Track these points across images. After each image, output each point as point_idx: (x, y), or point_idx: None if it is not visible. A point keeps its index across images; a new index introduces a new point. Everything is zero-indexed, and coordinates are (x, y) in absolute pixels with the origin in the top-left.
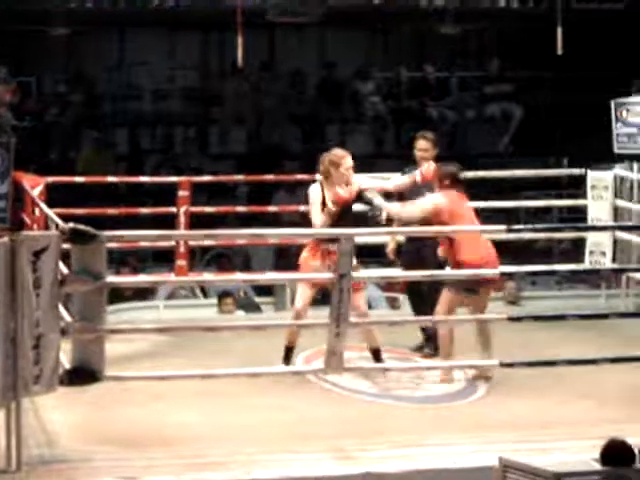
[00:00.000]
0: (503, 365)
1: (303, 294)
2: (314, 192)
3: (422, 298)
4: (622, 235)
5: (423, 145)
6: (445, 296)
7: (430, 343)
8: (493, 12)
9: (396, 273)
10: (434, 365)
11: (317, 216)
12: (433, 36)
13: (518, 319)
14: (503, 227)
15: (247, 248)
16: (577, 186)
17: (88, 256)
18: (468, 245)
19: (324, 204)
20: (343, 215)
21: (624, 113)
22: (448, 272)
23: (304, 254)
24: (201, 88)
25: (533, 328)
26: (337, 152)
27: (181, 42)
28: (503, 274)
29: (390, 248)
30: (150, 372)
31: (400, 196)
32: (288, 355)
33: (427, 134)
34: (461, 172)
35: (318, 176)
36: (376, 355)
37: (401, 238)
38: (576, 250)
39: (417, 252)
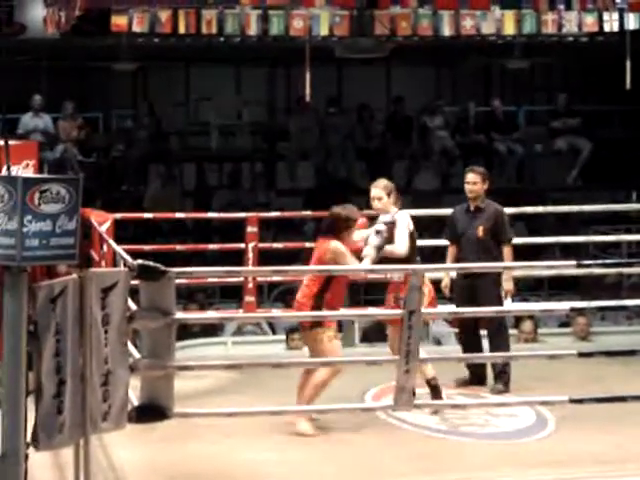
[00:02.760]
0: (573, 401)
1: None
2: (405, 218)
3: (476, 334)
4: None
5: (471, 179)
6: None
7: (500, 379)
8: (561, 46)
9: (466, 309)
10: (504, 401)
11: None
12: (501, 70)
13: (589, 354)
14: (573, 263)
15: None
16: None
17: (157, 292)
18: None
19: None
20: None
21: None
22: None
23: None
24: (268, 123)
25: (603, 363)
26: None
27: (247, 77)
28: (574, 309)
29: (444, 284)
30: (219, 409)
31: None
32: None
33: (476, 168)
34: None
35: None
36: (433, 387)
37: (453, 274)
38: None
39: (470, 288)
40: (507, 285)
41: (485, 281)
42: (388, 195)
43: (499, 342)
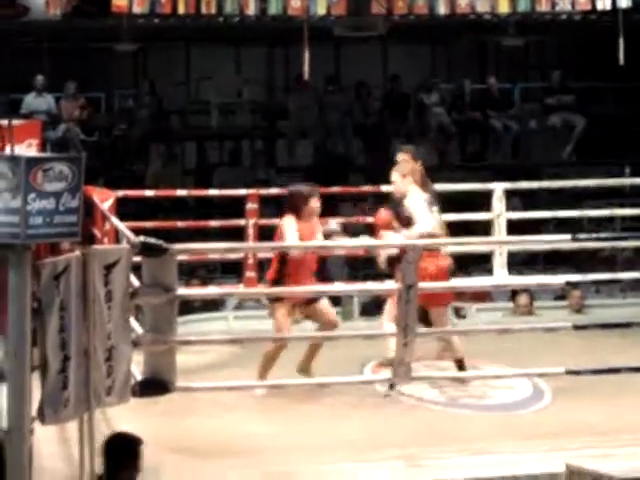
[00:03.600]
0: (569, 373)
1: None
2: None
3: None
4: None
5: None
6: None
7: None
8: (555, 24)
9: (463, 283)
10: (502, 373)
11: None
12: (496, 48)
13: (583, 327)
14: (568, 236)
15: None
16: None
17: (159, 269)
18: None
19: None
20: None
21: None
22: None
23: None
24: (267, 102)
25: (598, 336)
26: None
27: (247, 57)
28: (569, 283)
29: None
30: (220, 383)
31: None
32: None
33: (405, 147)
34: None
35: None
36: (460, 365)
37: None
38: (639, 258)
39: None
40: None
41: None
42: (403, 176)
43: None
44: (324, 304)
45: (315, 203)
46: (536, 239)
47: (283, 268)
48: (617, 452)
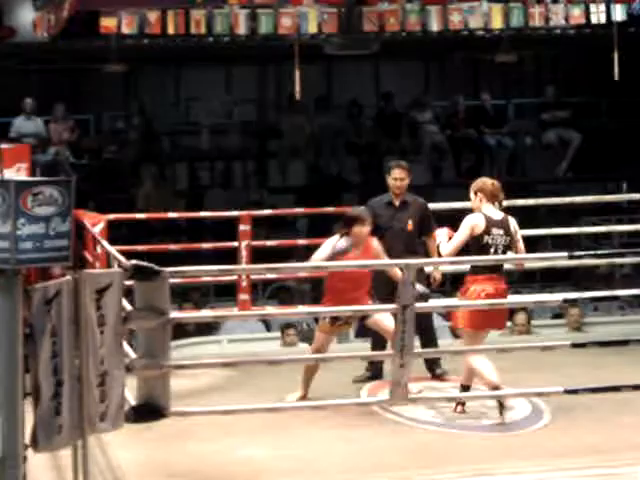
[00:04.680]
0: (568, 392)
1: None
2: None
3: None
4: None
5: (400, 174)
6: None
7: (437, 365)
8: (549, 39)
9: (460, 302)
10: (499, 394)
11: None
12: (489, 64)
13: (582, 345)
14: (565, 254)
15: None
16: (637, 210)
17: (151, 292)
18: None
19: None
20: None
21: None
22: None
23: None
24: (258, 122)
25: (597, 354)
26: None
27: (237, 76)
28: (567, 300)
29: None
30: (215, 407)
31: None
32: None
33: (402, 162)
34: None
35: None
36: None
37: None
38: (638, 275)
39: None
40: (437, 273)
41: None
42: (475, 194)
43: (431, 335)
44: (378, 317)
45: (360, 228)
46: (533, 256)
47: (326, 283)
48: (618, 472)
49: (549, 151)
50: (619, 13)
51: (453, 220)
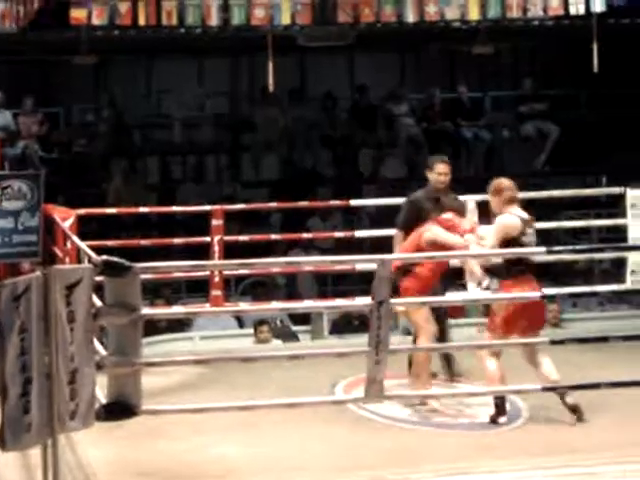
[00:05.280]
0: (546, 389)
1: None
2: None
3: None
4: None
5: (443, 169)
6: None
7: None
8: (526, 30)
9: (436, 299)
10: (476, 391)
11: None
12: (466, 56)
13: (561, 342)
14: (543, 249)
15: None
16: (616, 205)
17: (122, 288)
18: None
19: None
20: None
21: None
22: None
23: None
24: (231, 115)
25: (576, 350)
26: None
27: (210, 68)
28: (544, 296)
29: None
30: (187, 405)
31: None
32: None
33: (445, 157)
34: None
35: None
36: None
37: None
38: (617, 270)
39: None
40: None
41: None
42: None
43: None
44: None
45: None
46: (510, 251)
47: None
48: (594, 470)
49: (527, 144)
50: (598, 4)
51: None
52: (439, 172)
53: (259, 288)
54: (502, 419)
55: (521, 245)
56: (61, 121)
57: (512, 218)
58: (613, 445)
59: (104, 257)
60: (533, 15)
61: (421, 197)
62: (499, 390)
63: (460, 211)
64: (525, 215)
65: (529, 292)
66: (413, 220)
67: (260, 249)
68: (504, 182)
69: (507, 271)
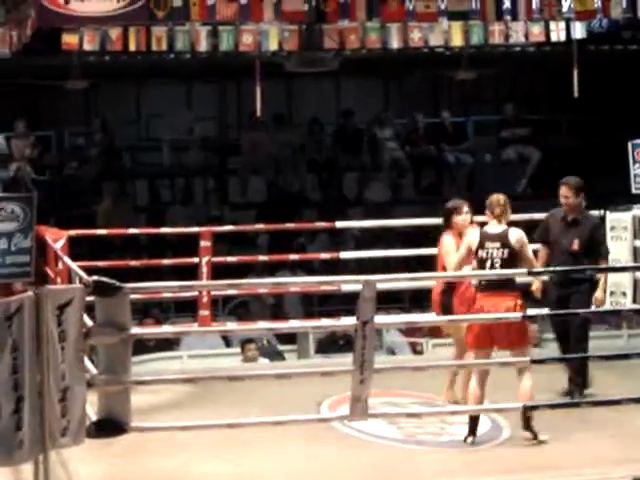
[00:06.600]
0: (527, 408)
1: None
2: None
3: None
4: None
5: (562, 192)
6: None
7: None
8: (508, 56)
9: (419, 318)
10: (458, 409)
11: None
12: (449, 82)
13: (542, 361)
14: (524, 270)
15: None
16: None
17: (112, 308)
18: None
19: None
20: None
21: None
22: None
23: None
24: (219, 139)
25: (556, 370)
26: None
27: (198, 93)
28: (525, 317)
29: (535, 287)
30: (175, 422)
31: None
32: None
33: (570, 180)
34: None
35: None
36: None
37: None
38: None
39: (565, 297)
40: (598, 294)
41: (579, 290)
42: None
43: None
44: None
45: (461, 217)
46: (491, 273)
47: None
48: None
49: (508, 168)
50: (579, 31)
51: (413, 237)
52: (560, 194)
53: (245, 308)
54: (470, 439)
55: (478, 258)
56: (53, 144)
57: (471, 232)
58: (595, 462)
59: (95, 277)
60: (515, 41)
61: (555, 214)
62: (482, 409)
63: (592, 231)
64: (494, 230)
65: (488, 308)
66: None
67: (247, 270)
68: (488, 200)
69: (475, 286)
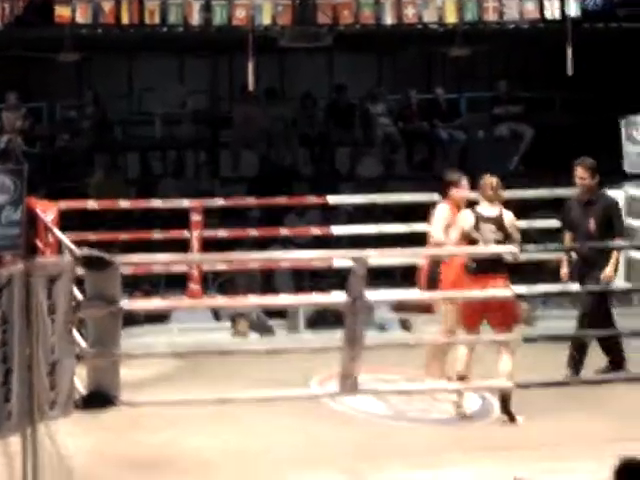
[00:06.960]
0: (519, 386)
1: None
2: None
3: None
4: (634, 254)
5: (577, 173)
6: None
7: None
8: (502, 33)
9: (411, 294)
10: (448, 387)
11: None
12: (442, 58)
13: (533, 340)
14: (516, 248)
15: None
16: None
17: (102, 281)
18: None
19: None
20: None
21: (634, 132)
22: None
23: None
24: (211, 112)
25: (548, 348)
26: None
27: (191, 67)
28: (516, 295)
29: (563, 272)
30: (165, 397)
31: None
32: None
33: (586, 161)
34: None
35: None
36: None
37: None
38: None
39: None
40: (608, 271)
41: (595, 268)
42: None
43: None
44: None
45: (459, 191)
46: (482, 250)
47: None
48: (567, 466)
49: (501, 145)
50: (573, 8)
51: (405, 212)
52: (576, 175)
53: (235, 282)
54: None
55: (471, 241)
56: (44, 117)
57: (465, 214)
58: (583, 440)
59: (85, 251)
60: (509, 18)
61: (574, 196)
62: (473, 387)
63: (608, 210)
64: (489, 213)
65: (477, 289)
66: None
67: (237, 245)
68: (482, 180)
69: (467, 268)
